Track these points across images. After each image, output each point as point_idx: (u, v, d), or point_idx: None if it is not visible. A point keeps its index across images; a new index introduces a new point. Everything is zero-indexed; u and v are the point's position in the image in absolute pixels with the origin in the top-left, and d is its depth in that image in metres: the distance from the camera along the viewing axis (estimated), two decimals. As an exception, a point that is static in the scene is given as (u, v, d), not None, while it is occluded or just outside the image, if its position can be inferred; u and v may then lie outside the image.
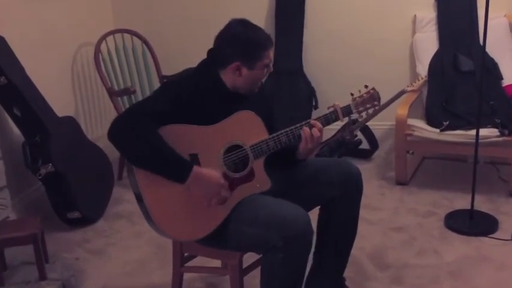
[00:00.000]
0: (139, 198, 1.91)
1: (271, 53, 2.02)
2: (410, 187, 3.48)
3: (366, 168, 3.81)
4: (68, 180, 3.07)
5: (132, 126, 1.85)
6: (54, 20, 3.62)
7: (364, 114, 2.17)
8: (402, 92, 3.63)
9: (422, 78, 3.65)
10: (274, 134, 2.02)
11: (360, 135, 3.88)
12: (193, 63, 2.10)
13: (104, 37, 3.80)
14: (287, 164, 2.17)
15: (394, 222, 3.04)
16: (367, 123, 3.86)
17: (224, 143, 1.97)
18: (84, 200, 3.16)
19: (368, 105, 2.13)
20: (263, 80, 2.09)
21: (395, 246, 2.78)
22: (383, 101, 3.70)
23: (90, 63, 3.95)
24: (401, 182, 3.51)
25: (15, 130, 3.07)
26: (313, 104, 4.05)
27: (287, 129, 2.03)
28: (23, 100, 2.92)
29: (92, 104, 4.08)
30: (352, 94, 2.16)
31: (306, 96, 4.02)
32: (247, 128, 2.01)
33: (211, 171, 1.90)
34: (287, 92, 4.06)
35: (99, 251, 2.93)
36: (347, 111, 2.10)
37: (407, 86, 3.63)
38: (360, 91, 2.16)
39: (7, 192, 2.86)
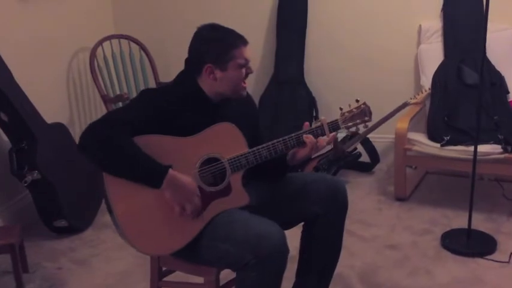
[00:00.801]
0: (109, 210, 1.89)
1: (246, 52, 1.98)
2: (410, 203, 3.42)
3: (365, 182, 3.78)
4: (55, 187, 3.06)
5: (104, 134, 1.83)
6: (50, 23, 3.63)
7: (353, 129, 2.13)
8: (405, 105, 3.60)
9: (426, 91, 3.60)
10: (254, 148, 1.98)
11: (360, 148, 3.83)
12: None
13: (100, 42, 3.81)
14: (276, 172, 2.15)
15: (388, 239, 2.99)
16: (368, 136, 3.83)
17: (201, 156, 1.94)
18: (72, 208, 3.15)
19: (358, 121, 2.08)
20: (245, 84, 2.03)
21: (387, 265, 2.73)
22: (386, 112, 3.73)
23: (87, 69, 3.96)
24: (400, 198, 3.45)
25: (3, 136, 3.07)
26: (314, 114, 4.02)
27: (269, 143, 2.00)
28: (9, 105, 2.93)
29: (88, 111, 4.08)
30: (341, 109, 2.12)
31: (306, 105, 3.99)
32: (226, 141, 1.97)
33: (187, 178, 1.88)
34: (287, 101, 4.04)
35: (83, 261, 2.91)
36: (334, 126, 2.05)
37: (410, 99, 3.59)
38: (349, 105, 2.13)
39: (-9, 200, 2.86)
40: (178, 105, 1.96)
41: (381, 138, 3.94)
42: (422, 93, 3.61)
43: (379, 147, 3.95)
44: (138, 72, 3.99)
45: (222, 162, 1.95)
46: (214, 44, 1.97)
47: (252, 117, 2.20)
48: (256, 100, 4.06)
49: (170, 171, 1.85)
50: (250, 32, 4.03)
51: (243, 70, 1.99)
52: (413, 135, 3.42)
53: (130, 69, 3.96)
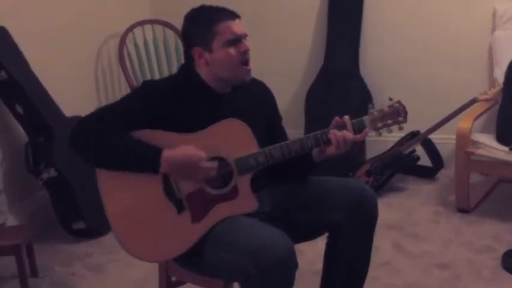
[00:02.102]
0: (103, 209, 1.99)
1: (234, 26, 2.01)
2: (472, 215, 3.36)
3: (424, 190, 3.75)
4: (73, 186, 3.20)
5: (96, 128, 1.93)
6: (77, 7, 3.78)
7: (384, 131, 2.12)
8: (473, 101, 3.54)
9: (499, 85, 3.52)
10: (266, 148, 2.01)
11: (419, 150, 3.79)
12: None
13: (131, 28, 3.94)
14: (297, 170, 2.17)
15: (440, 257, 2.95)
16: (430, 136, 3.78)
17: (206, 155, 1.99)
18: (91, 210, 3.28)
19: (389, 121, 2.08)
20: (248, 67, 2.06)
21: (433, 286, 2.70)
22: (452, 109, 3.66)
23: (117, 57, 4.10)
24: (462, 209, 3.39)
25: (19, 129, 3.24)
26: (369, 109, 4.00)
27: (283, 143, 2.02)
28: (25, 97, 3.09)
29: (118, 103, 4.22)
30: (371, 106, 2.12)
31: (360, 101, 3.98)
32: (233, 139, 2.01)
33: (182, 148, 1.92)
34: (339, 95, 4.04)
35: (99, 267, 3.03)
36: (359, 126, 2.05)
37: (480, 94, 3.52)
38: (370, 107, 2.12)
39: (4, 197, 3.03)
40: (179, 97, 2.02)
41: (445, 139, 3.86)
42: (494, 88, 3.53)
43: (443, 149, 3.89)
44: (173, 61, 4.10)
45: (228, 163, 2.00)
46: (197, 22, 2.03)
47: (267, 111, 2.22)
48: (304, 93, 4.12)
49: (165, 151, 1.90)
50: (296, 17, 4.19)
51: (233, 48, 2.01)
52: (478, 137, 3.35)
53: (164, 57, 4.07)
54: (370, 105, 2.09)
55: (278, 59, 4.30)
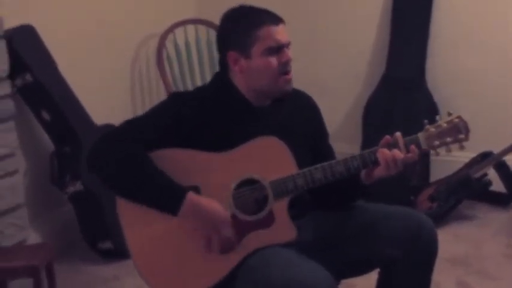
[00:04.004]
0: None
1: (278, 33, 1.99)
2: (552, 251, 3.24)
3: (496, 219, 3.67)
4: (101, 202, 3.21)
5: (116, 148, 1.93)
6: (113, 4, 3.81)
7: (443, 150, 2.05)
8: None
9: None
10: (306, 169, 1.97)
11: (492, 173, 3.67)
12: None
13: (171, 29, 3.95)
14: (344, 195, 2.13)
15: (510, 299, 2.84)
16: (505, 158, 3.67)
17: (236, 176, 1.96)
18: (120, 228, 3.29)
19: (448, 139, 2.02)
20: (289, 76, 2.03)
21: (501, 333, 2.60)
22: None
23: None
24: (539, 243, 3.27)
25: (45, 138, 3.27)
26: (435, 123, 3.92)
27: (325, 163, 1.98)
28: (51, 102, 3.13)
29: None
30: (426, 121, 2.05)
31: (424, 114, 3.88)
32: (269, 159, 1.99)
33: (212, 201, 1.91)
34: (401, 106, 3.97)
35: (125, 293, 3.04)
36: (414, 144, 1.99)
37: None
38: (437, 118, 2.06)
39: (25, 211, 3.05)
40: (211, 111, 2.01)
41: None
42: None
43: (520, 173, 3.75)
44: (216, 65, 4.07)
45: (263, 186, 1.96)
46: (236, 24, 2.01)
47: (311, 127, 2.19)
48: (363, 103, 4.06)
49: (190, 194, 1.88)
50: (356, 20, 4.13)
51: (274, 57, 1.99)
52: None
53: (208, 61, 4.07)
54: (425, 121, 2.01)
55: (335, 66, 4.27)
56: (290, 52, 2.04)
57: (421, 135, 2.01)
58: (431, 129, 2.01)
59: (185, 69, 4.00)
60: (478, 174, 3.60)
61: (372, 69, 4.14)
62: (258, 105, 2.06)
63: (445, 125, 2.02)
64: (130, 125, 2.01)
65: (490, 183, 3.61)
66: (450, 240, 3.38)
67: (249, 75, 2.01)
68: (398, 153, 1.96)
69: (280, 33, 2.01)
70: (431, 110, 3.91)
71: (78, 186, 3.17)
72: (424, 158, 2.02)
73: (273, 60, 2.00)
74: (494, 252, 3.28)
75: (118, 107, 3.83)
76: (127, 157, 1.91)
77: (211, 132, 1.98)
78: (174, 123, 1.97)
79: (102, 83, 3.72)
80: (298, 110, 2.15)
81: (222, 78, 2.09)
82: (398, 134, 2.00)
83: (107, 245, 3.28)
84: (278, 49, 2.00)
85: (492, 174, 3.68)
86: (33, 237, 3.18)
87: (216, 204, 1.91)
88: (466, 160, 3.73)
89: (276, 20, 2.02)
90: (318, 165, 1.98)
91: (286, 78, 2.04)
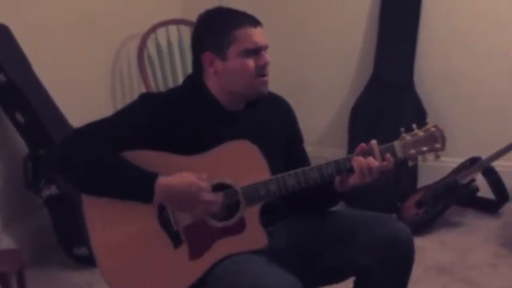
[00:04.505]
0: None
1: (255, 35, 1.98)
2: (540, 260, 3.23)
3: (484, 227, 3.66)
4: (76, 207, 3.16)
5: (82, 147, 1.91)
6: (93, 2, 3.78)
7: (419, 159, 2.04)
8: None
9: None
10: (279, 175, 1.96)
11: (480, 179, 3.66)
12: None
13: (153, 29, 3.94)
14: (317, 202, 2.13)
15: (495, 309, 2.84)
16: (494, 164, 3.67)
17: (208, 180, 1.94)
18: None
19: (424, 148, 2.01)
20: (265, 78, 2.02)
21: None
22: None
23: (138, 61, 4.11)
24: (527, 251, 3.27)
25: (19, 140, 3.25)
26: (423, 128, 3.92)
27: (298, 170, 1.97)
28: (25, 104, 3.10)
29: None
30: (403, 130, 2.05)
31: (413, 118, 3.86)
32: (241, 163, 1.97)
33: (181, 175, 1.88)
34: (389, 110, 3.97)
35: (99, 299, 3.02)
36: (389, 152, 1.98)
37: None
38: (414, 126, 2.05)
39: (-4, 217, 3.05)
40: (182, 113, 1.99)
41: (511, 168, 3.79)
42: None
43: (508, 180, 3.77)
44: (200, 66, 4.07)
45: (235, 191, 1.95)
46: (213, 24, 2.00)
47: (285, 131, 2.18)
48: (349, 106, 4.06)
49: (159, 178, 1.86)
50: (344, 22, 4.12)
51: (251, 59, 1.98)
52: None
53: (190, 62, 4.03)
54: (402, 129, 2.01)
55: (321, 68, 4.27)
56: (267, 55, 2.03)
57: (396, 144, 2.00)
58: (407, 137, 2.01)
59: (167, 70, 3.99)
60: (465, 180, 3.59)
61: (359, 71, 4.14)
62: (232, 109, 2.05)
63: (421, 133, 2.02)
64: (97, 125, 1.99)
65: (477, 189, 3.60)
66: (436, 248, 3.38)
67: (224, 77, 2.00)
68: (373, 162, 1.95)
69: (258, 35, 2.00)
70: (419, 114, 3.92)
71: (53, 190, 3.15)
72: (401, 166, 2.02)
73: (250, 63, 1.99)
74: (481, 260, 3.26)
75: (98, 109, 3.78)
76: (93, 154, 1.90)
77: (183, 134, 1.97)
78: (146, 123, 1.96)
79: (82, 84, 3.69)
80: (273, 114, 2.14)
81: (195, 80, 2.08)
82: (373, 141, 2.00)
83: (83, 250, 3.26)
84: (255, 51, 1.99)
85: (480, 180, 3.68)
86: (6, 243, 3.16)
87: (189, 174, 1.88)
88: (454, 165, 3.73)
89: (254, 22, 2.01)
90: (292, 172, 1.96)
91: (262, 80, 2.02)
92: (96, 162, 1.90)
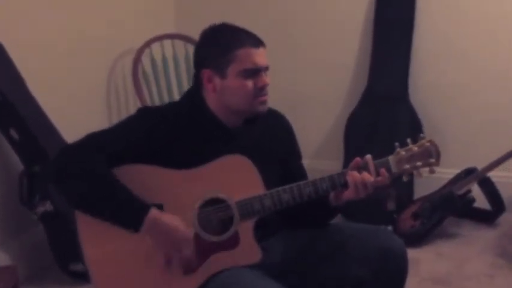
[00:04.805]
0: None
1: (257, 56, 1.98)
2: (537, 270, 3.22)
3: (481, 238, 3.65)
4: (71, 223, 3.16)
5: (77, 161, 1.92)
6: (87, 18, 3.78)
7: (415, 173, 2.05)
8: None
9: None
10: (273, 190, 1.97)
11: (476, 190, 3.67)
12: None
13: (148, 43, 3.95)
14: (313, 217, 2.14)
15: (491, 320, 2.83)
16: (490, 175, 3.67)
17: (202, 195, 1.96)
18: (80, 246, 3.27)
19: (418, 163, 2.03)
20: (264, 97, 2.03)
21: None
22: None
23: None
24: (525, 262, 3.26)
25: (14, 157, 3.25)
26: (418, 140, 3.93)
27: (293, 184, 1.98)
28: (19, 120, 3.10)
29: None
30: (397, 145, 2.05)
31: (408, 130, 3.89)
32: (236, 178, 1.99)
33: (174, 219, 1.90)
34: (384, 122, 3.98)
35: (96, 317, 3.00)
36: (384, 167, 1.99)
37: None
38: (408, 141, 2.06)
39: (-8, 234, 3.04)
40: (180, 128, 2.00)
41: (507, 178, 3.81)
42: None
43: (504, 190, 3.76)
44: (195, 81, 4.08)
45: (228, 205, 1.95)
46: (214, 42, 2.01)
47: (282, 147, 2.19)
48: (345, 118, 4.06)
49: (152, 210, 1.87)
50: (336, 33, 4.13)
51: (250, 80, 1.98)
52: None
53: (186, 77, 4.06)
54: (396, 144, 2.02)
55: (315, 81, 4.27)
56: (267, 77, 2.03)
57: (391, 159, 2.01)
58: (402, 152, 2.02)
59: (162, 85, 3.99)
60: (461, 191, 3.59)
61: (354, 84, 4.14)
62: (229, 125, 2.05)
63: (415, 148, 2.03)
64: (93, 138, 2.01)
65: (473, 200, 3.61)
66: (432, 259, 3.38)
67: (222, 94, 2.01)
68: (368, 176, 1.97)
69: (259, 56, 2.00)
70: (414, 125, 3.93)
71: (48, 206, 3.14)
72: (396, 182, 2.04)
73: (249, 83, 1.99)
74: (478, 271, 3.25)
75: (93, 124, 3.77)
76: (88, 171, 1.91)
77: (179, 150, 1.98)
78: (142, 138, 1.97)
79: (76, 99, 3.70)
80: (271, 130, 2.15)
81: (194, 95, 2.09)
82: (368, 156, 2.01)
83: (79, 267, 3.24)
84: (254, 72, 2.00)
85: (476, 190, 3.69)
86: (2, 259, 3.15)
87: (178, 222, 1.91)
88: (450, 176, 3.73)
89: (257, 42, 2.01)
90: (286, 186, 1.98)
91: (260, 100, 2.03)
92: (91, 180, 1.90)
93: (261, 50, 2.00)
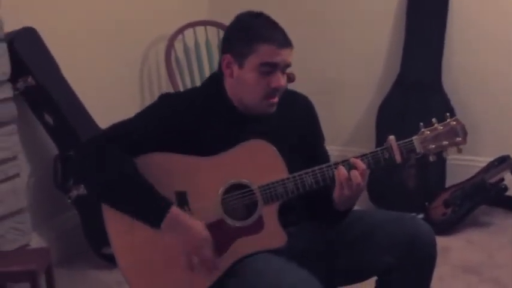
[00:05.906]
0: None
1: (279, 55, 1.95)
2: None
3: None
4: (104, 207, 3.24)
5: (100, 153, 1.94)
6: (121, 4, 3.84)
7: (443, 154, 2.03)
8: None
9: None
10: (296, 174, 1.97)
11: (509, 178, 3.63)
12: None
13: (180, 30, 3.98)
14: (324, 217, 2.12)
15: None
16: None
17: (225, 181, 1.97)
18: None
19: (445, 142, 2.00)
20: (274, 100, 2.01)
21: None
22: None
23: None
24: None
25: (49, 141, 3.32)
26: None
27: (315, 167, 1.97)
28: (54, 105, 3.17)
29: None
30: (422, 125, 2.03)
31: (440, 117, 3.84)
32: (259, 163, 1.99)
33: (193, 220, 1.91)
34: (416, 110, 3.94)
35: (126, 299, 3.06)
36: (408, 148, 1.98)
37: None
38: (434, 121, 2.04)
39: (27, 216, 3.09)
40: (200, 114, 2.01)
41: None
42: None
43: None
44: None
45: (252, 190, 1.96)
46: (242, 29, 1.99)
47: (305, 130, 2.17)
48: (377, 105, 4.04)
49: (173, 208, 1.88)
50: (369, 19, 4.10)
51: (265, 77, 1.96)
52: None
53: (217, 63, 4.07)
54: (421, 124, 1.99)
55: (348, 68, 4.27)
56: (284, 79, 2.00)
57: (415, 139, 1.98)
58: (427, 132, 1.99)
59: (195, 70, 4.02)
60: (494, 179, 3.57)
61: (386, 70, 4.12)
62: (245, 111, 2.04)
63: (440, 128, 2.00)
64: (117, 129, 2.03)
65: (506, 188, 3.57)
66: (463, 247, 3.36)
67: (236, 83, 2.01)
68: (357, 177, 1.92)
69: (282, 55, 1.96)
70: (447, 113, 3.88)
71: (81, 190, 3.20)
72: (421, 161, 2.01)
73: (262, 80, 1.97)
74: (509, 260, 3.24)
75: (126, 110, 3.82)
76: (112, 164, 1.93)
77: (199, 136, 1.99)
78: (162, 126, 1.98)
79: (110, 85, 3.76)
80: (292, 113, 2.13)
81: (216, 79, 2.09)
82: (391, 137, 1.98)
83: (111, 250, 3.30)
84: (272, 68, 1.96)
85: (509, 179, 3.65)
86: (37, 242, 3.23)
87: (197, 223, 1.91)
88: (483, 164, 3.70)
89: (283, 43, 1.97)
90: (309, 170, 1.97)
91: (270, 102, 2.01)
92: (113, 173, 1.92)
93: (287, 50, 1.97)
